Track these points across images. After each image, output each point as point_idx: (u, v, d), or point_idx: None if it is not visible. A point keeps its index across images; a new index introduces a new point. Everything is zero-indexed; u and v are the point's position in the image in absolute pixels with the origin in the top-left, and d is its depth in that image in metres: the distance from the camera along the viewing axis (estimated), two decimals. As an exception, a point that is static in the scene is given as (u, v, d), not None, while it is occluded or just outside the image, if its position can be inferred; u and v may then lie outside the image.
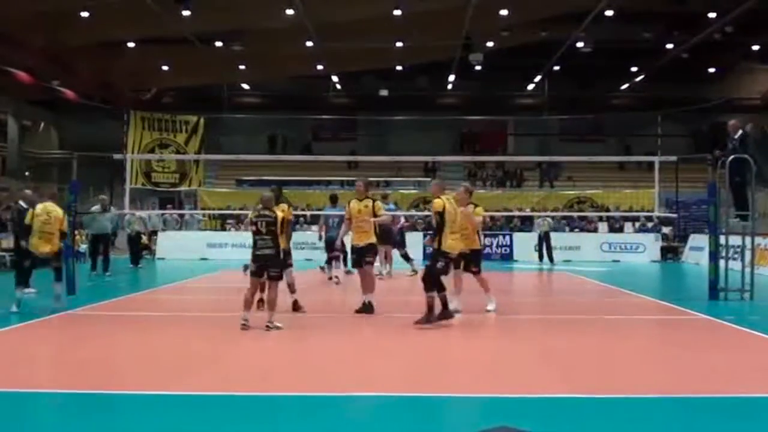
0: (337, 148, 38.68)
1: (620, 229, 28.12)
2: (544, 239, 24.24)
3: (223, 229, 28.93)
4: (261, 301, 10.48)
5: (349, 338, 9.57)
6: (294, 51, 31.10)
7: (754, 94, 39.31)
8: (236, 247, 26.07)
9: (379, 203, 11.75)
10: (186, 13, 24.81)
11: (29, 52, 28.39)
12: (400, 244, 18.94)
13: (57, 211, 11.49)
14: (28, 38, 27.43)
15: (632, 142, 38.93)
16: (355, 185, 12.07)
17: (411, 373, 6.82)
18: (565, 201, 32.49)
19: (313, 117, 39.12)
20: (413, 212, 29.02)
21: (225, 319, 11.30)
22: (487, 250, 26.25)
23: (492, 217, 27.77)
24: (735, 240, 15.25)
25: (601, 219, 28.79)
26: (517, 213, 28.74)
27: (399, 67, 35.79)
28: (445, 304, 9.80)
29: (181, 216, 28.88)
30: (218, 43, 30.22)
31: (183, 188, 29.93)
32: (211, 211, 29.56)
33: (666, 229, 27.63)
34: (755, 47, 32.98)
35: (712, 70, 37.22)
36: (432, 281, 9.78)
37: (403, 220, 20.78)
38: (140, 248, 21.80)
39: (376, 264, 18.25)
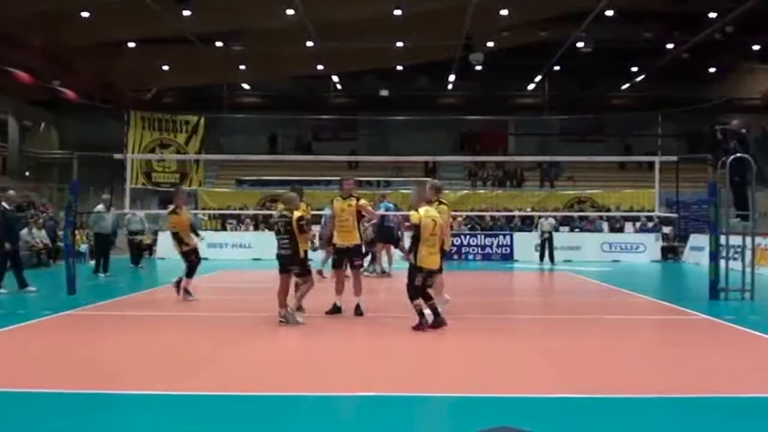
0: (338, 148, 38.64)
1: (620, 229, 28.13)
2: (547, 240, 24.23)
3: (224, 229, 28.91)
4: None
5: (348, 338, 9.57)
6: (294, 51, 31.09)
7: (755, 94, 39.28)
8: (236, 247, 26.14)
9: (363, 201, 11.37)
10: (186, 12, 24.82)
11: (29, 52, 28.39)
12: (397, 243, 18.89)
13: None
14: (28, 38, 27.43)
15: (633, 142, 38.92)
16: (343, 183, 11.66)
17: (410, 373, 6.82)
18: (566, 201, 32.48)
19: (314, 117, 39.10)
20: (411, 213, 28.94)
21: (225, 319, 11.31)
22: (488, 250, 26.37)
23: (482, 217, 27.84)
24: (735, 240, 15.25)
25: (601, 219, 28.78)
26: (517, 213, 28.74)
27: (399, 67, 35.79)
28: (436, 312, 9.75)
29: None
30: (218, 43, 30.21)
31: (183, 188, 29.93)
32: (212, 211, 29.55)
33: (666, 229, 27.63)
34: (756, 47, 32.95)
35: (712, 70, 37.20)
36: (414, 292, 9.70)
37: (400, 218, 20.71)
38: (141, 248, 21.77)
39: (384, 262, 18.31)
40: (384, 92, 37.80)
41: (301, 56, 32.01)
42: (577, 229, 28.32)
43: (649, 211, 26.23)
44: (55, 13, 25.23)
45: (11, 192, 15.09)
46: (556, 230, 25.86)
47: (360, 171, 35.91)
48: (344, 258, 11.21)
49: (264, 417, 5.88)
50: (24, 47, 27.78)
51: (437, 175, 37.13)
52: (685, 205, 29.50)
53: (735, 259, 15.70)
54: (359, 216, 11.19)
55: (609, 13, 26.58)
